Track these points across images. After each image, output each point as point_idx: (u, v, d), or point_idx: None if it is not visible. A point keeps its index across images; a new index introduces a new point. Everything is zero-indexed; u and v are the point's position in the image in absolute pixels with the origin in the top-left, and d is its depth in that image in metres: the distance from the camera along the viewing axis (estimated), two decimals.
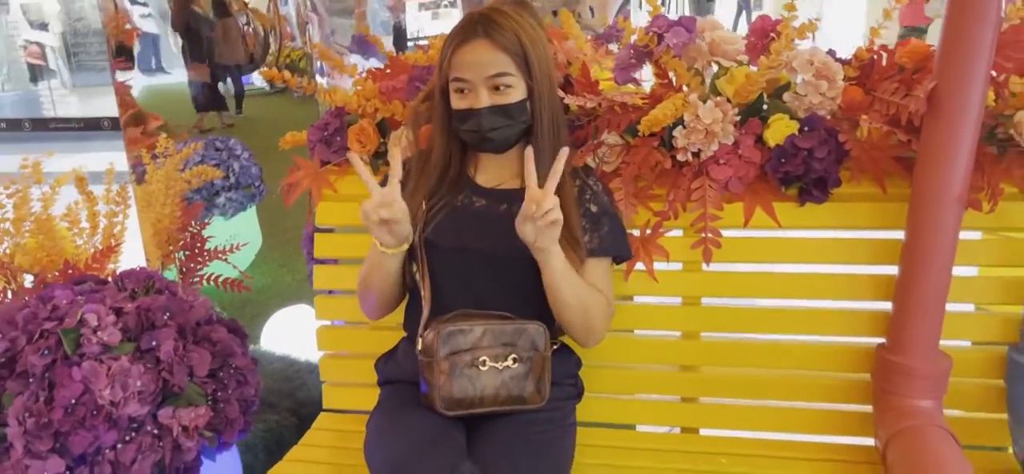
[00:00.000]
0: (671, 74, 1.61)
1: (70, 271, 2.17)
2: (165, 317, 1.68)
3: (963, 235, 1.42)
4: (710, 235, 1.54)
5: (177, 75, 3.77)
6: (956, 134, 1.34)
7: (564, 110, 1.52)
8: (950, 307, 1.43)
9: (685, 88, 1.61)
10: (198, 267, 2.74)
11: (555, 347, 1.45)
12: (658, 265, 1.59)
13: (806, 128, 1.51)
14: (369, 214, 1.32)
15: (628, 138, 1.57)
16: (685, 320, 1.63)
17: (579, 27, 1.82)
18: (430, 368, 1.34)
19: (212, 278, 2.71)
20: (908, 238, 1.43)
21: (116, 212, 2.35)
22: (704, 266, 1.58)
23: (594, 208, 1.47)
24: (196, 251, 2.73)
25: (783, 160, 1.50)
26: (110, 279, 1.86)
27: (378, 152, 1.72)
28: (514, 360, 1.35)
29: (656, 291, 1.60)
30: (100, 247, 2.30)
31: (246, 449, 2.16)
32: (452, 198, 1.47)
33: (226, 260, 2.71)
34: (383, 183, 1.34)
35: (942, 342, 1.45)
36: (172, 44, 3.67)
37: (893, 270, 1.47)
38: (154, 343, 1.62)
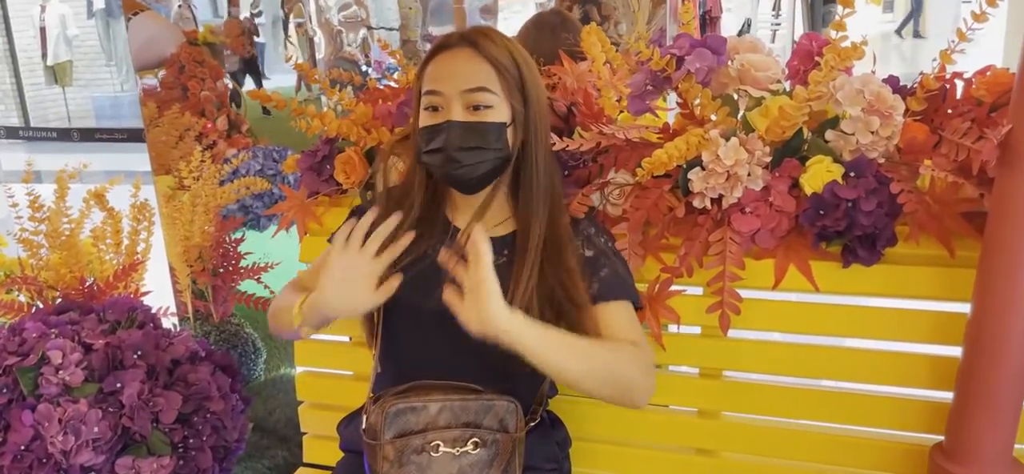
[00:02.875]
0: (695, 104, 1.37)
1: (91, 289, 2.11)
2: (135, 356, 1.56)
3: None
4: (728, 298, 1.29)
5: (276, 80, 3.77)
6: None
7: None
8: None
9: (712, 119, 1.37)
10: (231, 286, 2.65)
11: (533, 424, 1.23)
12: (675, 328, 1.36)
13: (851, 174, 1.24)
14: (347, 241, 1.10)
15: (640, 176, 1.34)
16: (703, 395, 1.38)
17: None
18: (374, 454, 1.14)
19: (244, 298, 2.62)
20: (974, 314, 1.14)
21: (139, 229, 2.28)
22: (730, 332, 1.33)
23: (589, 252, 1.25)
24: (230, 269, 2.65)
25: (821, 212, 1.24)
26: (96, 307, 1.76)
27: (368, 183, 1.55)
28: (475, 445, 1.14)
29: (668, 359, 1.36)
30: (123, 265, 2.23)
31: None
32: (422, 243, 1.27)
33: (258, 280, 2.62)
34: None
35: (1019, 447, 1.16)
36: (283, 52, 3.64)
37: (958, 352, 1.19)
38: (118, 385, 1.50)
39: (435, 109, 1.19)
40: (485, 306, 1.02)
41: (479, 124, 1.17)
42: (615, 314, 1.21)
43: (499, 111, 1.18)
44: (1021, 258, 1.07)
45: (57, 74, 10.38)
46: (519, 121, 1.20)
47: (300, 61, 2.69)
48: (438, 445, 1.13)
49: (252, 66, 2.62)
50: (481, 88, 1.17)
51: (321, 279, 1.13)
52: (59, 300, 2.06)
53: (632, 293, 1.25)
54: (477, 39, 1.19)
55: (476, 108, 1.17)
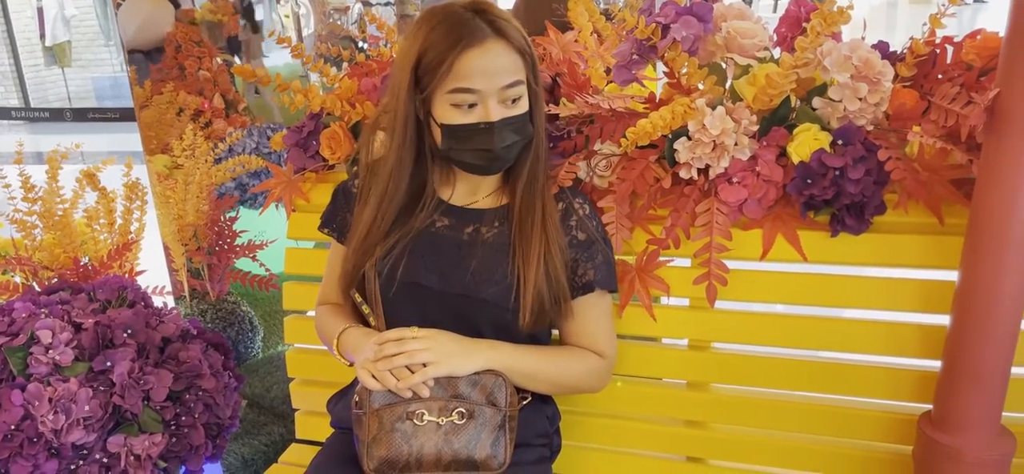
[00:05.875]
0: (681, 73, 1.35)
1: (86, 269, 2.11)
2: (125, 335, 1.55)
3: None
4: (715, 269, 1.28)
5: (273, 58, 3.74)
6: None
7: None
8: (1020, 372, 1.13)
9: (700, 88, 1.35)
10: (226, 264, 2.65)
11: (525, 402, 1.23)
12: (665, 300, 1.35)
13: (839, 142, 1.22)
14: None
15: (624, 146, 1.32)
16: (691, 367, 1.37)
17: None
18: (360, 422, 1.15)
19: (240, 276, 2.62)
20: (961, 283, 1.13)
21: (131, 208, 2.27)
22: (718, 304, 1.32)
23: (581, 235, 1.25)
24: (225, 248, 2.64)
25: (808, 181, 1.22)
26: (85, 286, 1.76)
27: (354, 158, 1.54)
28: (461, 415, 1.14)
29: (656, 331, 1.35)
30: (117, 244, 2.23)
31: (243, 464, 2.04)
32: (413, 220, 1.27)
33: (254, 258, 2.61)
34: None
35: (1007, 415, 1.15)
36: (279, 28, 3.61)
37: (946, 320, 1.18)
38: (108, 364, 1.50)
39: (471, 106, 1.15)
40: (449, 366, 1.15)
41: (514, 119, 1.17)
42: (596, 307, 1.26)
43: (524, 100, 1.18)
44: (1009, 225, 1.06)
45: (56, 55, 10.34)
46: (533, 99, 1.20)
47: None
48: (423, 414, 1.13)
49: (235, 44, 2.60)
50: (517, 82, 1.15)
51: (356, 355, 1.22)
52: (55, 280, 2.06)
53: (615, 282, 1.28)
54: (503, 27, 1.14)
55: (511, 101, 1.16)
